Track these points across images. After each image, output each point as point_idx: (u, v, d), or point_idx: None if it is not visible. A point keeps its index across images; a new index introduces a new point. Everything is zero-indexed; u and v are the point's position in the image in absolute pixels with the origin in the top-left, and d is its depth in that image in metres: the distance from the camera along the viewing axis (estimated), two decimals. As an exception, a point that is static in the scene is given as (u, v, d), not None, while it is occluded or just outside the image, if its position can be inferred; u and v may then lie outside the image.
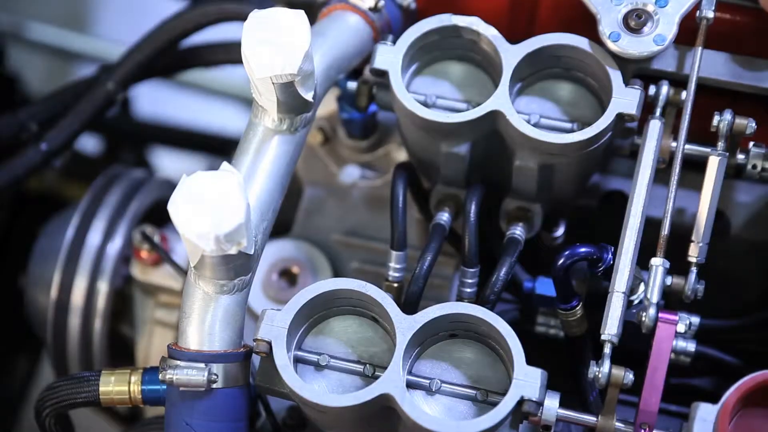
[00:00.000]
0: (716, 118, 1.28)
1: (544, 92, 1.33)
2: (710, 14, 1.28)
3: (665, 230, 1.24)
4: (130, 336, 1.69)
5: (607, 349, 1.19)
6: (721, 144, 1.28)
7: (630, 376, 1.18)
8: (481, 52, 1.33)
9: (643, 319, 1.21)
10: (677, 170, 1.26)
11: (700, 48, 1.28)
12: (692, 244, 1.26)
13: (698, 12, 1.29)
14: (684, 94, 1.29)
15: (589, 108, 1.32)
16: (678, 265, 1.25)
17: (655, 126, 1.28)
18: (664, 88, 1.29)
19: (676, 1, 1.29)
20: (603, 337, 1.19)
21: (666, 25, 1.29)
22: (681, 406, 1.40)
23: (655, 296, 1.21)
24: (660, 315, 1.21)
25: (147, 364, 1.60)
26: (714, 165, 1.27)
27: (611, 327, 1.19)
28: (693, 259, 1.25)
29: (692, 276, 1.24)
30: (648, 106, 1.30)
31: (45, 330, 1.67)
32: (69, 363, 1.68)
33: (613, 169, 1.49)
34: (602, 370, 1.18)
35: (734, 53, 1.32)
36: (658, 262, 1.22)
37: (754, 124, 1.28)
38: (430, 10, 1.37)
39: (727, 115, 1.27)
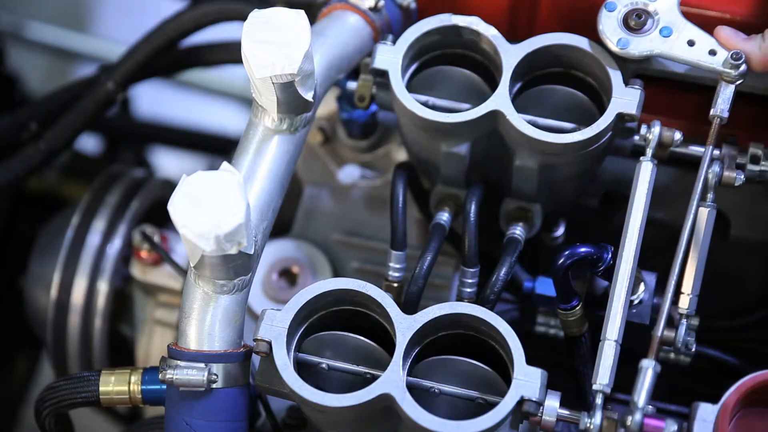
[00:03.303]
0: (702, 171, 1.25)
1: (543, 92, 1.33)
2: (725, 114, 1.26)
3: (659, 331, 1.19)
4: (130, 336, 1.69)
5: (598, 400, 1.17)
6: (710, 196, 1.26)
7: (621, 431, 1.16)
8: (481, 52, 1.33)
9: (628, 423, 1.13)
10: (682, 247, 1.22)
11: (710, 147, 1.26)
12: (682, 296, 1.24)
13: (712, 109, 1.26)
14: (677, 136, 1.28)
15: (589, 108, 1.32)
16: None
17: (646, 168, 1.26)
18: (656, 129, 1.28)
19: (675, 39, 1.28)
20: (594, 387, 1.17)
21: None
22: (681, 406, 1.40)
23: (642, 400, 1.13)
24: (646, 421, 1.14)
25: (147, 364, 1.60)
26: (704, 217, 1.25)
27: (603, 377, 1.17)
28: (683, 311, 1.23)
29: (682, 329, 1.22)
30: (640, 148, 1.29)
31: (45, 330, 1.67)
32: (69, 363, 1.68)
33: (613, 169, 1.49)
34: (593, 422, 1.16)
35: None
36: (648, 365, 1.15)
37: (742, 176, 1.28)
38: (430, 9, 1.37)
39: (716, 168, 1.26)
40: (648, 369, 1.14)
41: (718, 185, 1.27)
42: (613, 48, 1.28)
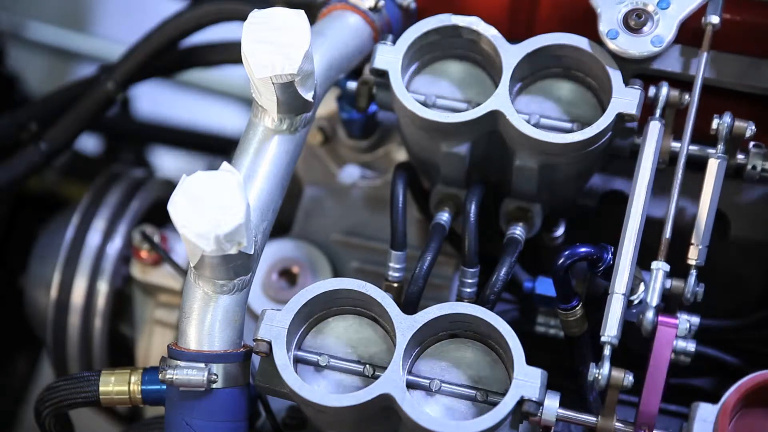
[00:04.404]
0: (716, 121, 1.27)
1: (544, 92, 1.33)
2: (716, 20, 1.28)
3: (667, 234, 1.23)
4: (130, 336, 1.69)
5: (606, 351, 1.18)
6: (720, 147, 1.27)
7: (630, 378, 1.18)
8: (481, 52, 1.33)
9: (643, 322, 1.20)
10: (680, 173, 1.25)
11: (705, 53, 1.28)
12: (692, 246, 1.25)
13: (703, 18, 1.28)
14: (686, 97, 1.29)
15: (589, 108, 1.32)
16: (677, 266, 1.25)
17: (655, 127, 1.27)
18: (664, 89, 1.29)
19: (678, 3, 1.29)
20: (603, 338, 1.19)
21: (665, 28, 1.29)
22: (681, 406, 1.40)
23: (654, 299, 1.20)
24: (659, 318, 1.20)
25: (147, 364, 1.60)
26: (714, 168, 1.26)
27: (611, 328, 1.19)
28: (692, 262, 1.25)
29: (692, 279, 1.24)
30: (647, 107, 1.30)
31: (45, 330, 1.67)
32: (69, 363, 1.68)
33: (613, 169, 1.49)
34: (602, 372, 1.17)
35: (734, 53, 1.32)
36: (658, 266, 1.21)
37: (753, 127, 1.28)
38: (430, 9, 1.37)
39: (727, 118, 1.27)
40: (659, 270, 1.21)
41: (729, 136, 1.27)
42: (613, 48, 1.28)
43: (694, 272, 1.24)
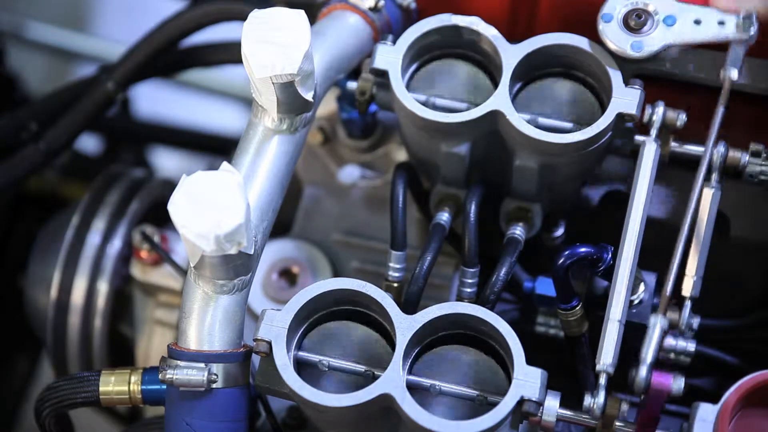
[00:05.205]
0: (709, 150, 1.25)
1: (543, 92, 1.33)
2: (735, 75, 1.24)
3: (668, 289, 1.17)
4: (130, 336, 1.69)
5: (602, 380, 1.16)
6: (715, 176, 1.26)
7: (625, 407, 1.16)
8: (481, 52, 1.33)
9: (636, 379, 1.12)
10: (686, 227, 1.21)
11: (721, 108, 1.24)
12: (686, 278, 1.23)
13: (722, 70, 1.25)
14: (682, 117, 1.27)
15: (589, 108, 1.32)
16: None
17: (650, 149, 1.25)
18: (660, 109, 1.28)
19: (681, 24, 1.27)
20: (598, 367, 1.16)
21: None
22: (681, 406, 1.40)
23: (650, 355, 1.12)
24: (653, 380, 1.14)
25: (147, 364, 1.60)
26: (708, 198, 1.25)
27: (606, 357, 1.16)
28: (687, 294, 1.23)
29: (686, 311, 1.22)
30: (643, 128, 1.29)
31: (45, 330, 1.67)
32: (69, 363, 1.68)
33: (613, 169, 1.48)
34: (597, 401, 1.16)
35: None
36: (657, 320, 1.14)
37: (747, 158, 1.27)
38: (431, 9, 1.37)
39: (720, 148, 1.26)
40: (656, 324, 1.13)
41: (723, 165, 1.26)
42: (613, 48, 1.28)
43: (688, 304, 1.22)
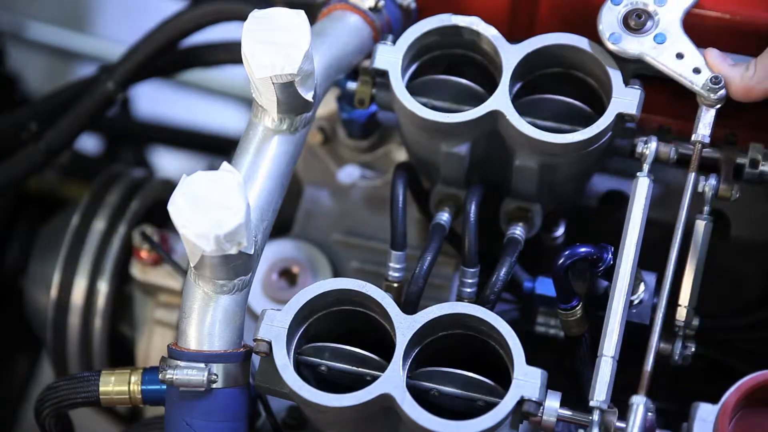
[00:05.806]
0: (701, 184, 1.25)
1: (544, 92, 1.33)
2: (707, 140, 1.24)
3: (648, 366, 1.17)
4: (130, 336, 1.69)
5: (595, 417, 1.15)
6: (706, 209, 1.26)
7: None
8: (481, 52, 1.33)
9: None
10: (668, 283, 1.21)
11: (693, 174, 1.25)
12: (679, 308, 1.23)
13: (693, 135, 1.25)
14: (678, 151, 1.27)
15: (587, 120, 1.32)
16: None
17: (643, 184, 1.25)
18: (653, 144, 1.27)
19: (664, 48, 1.27)
20: (591, 403, 1.16)
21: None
22: (681, 406, 1.40)
23: None
24: None
25: (147, 364, 1.60)
26: (700, 229, 1.25)
27: (600, 393, 1.16)
28: (680, 324, 1.23)
29: (679, 342, 1.22)
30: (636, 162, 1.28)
31: (45, 330, 1.67)
32: (69, 363, 1.68)
33: (613, 169, 1.48)
34: None
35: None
36: (639, 401, 1.14)
37: (738, 194, 1.27)
38: (430, 9, 1.37)
39: (712, 180, 1.26)
40: (639, 405, 1.14)
41: (715, 198, 1.26)
42: (613, 48, 1.28)
43: (681, 334, 1.23)
